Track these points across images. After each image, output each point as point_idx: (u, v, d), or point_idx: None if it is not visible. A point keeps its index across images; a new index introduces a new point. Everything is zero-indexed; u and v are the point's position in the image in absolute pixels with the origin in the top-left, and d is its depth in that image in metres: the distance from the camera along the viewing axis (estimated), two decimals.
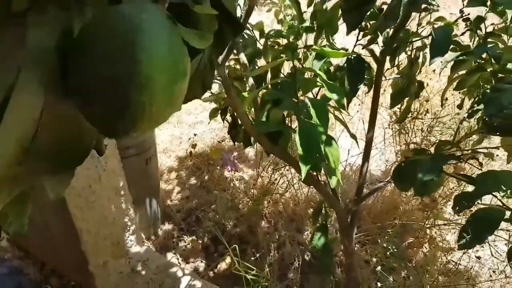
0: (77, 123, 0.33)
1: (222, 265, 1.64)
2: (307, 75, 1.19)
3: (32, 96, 0.29)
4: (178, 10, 0.37)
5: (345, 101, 0.97)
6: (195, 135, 2.25)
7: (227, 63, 1.31)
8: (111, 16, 0.28)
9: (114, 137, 0.31)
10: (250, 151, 2.27)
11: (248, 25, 1.41)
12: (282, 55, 1.35)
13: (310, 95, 1.22)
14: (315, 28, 1.23)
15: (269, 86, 1.23)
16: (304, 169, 0.99)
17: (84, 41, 0.28)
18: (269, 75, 1.35)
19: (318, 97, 1.26)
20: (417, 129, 2.04)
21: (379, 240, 1.61)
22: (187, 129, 2.51)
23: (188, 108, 2.71)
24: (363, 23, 1.10)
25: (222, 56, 1.02)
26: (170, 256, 1.72)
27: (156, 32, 0.28)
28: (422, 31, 1.19)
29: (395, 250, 1.54)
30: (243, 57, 1.24)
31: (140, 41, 0.27)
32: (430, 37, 0.88)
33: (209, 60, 0.51)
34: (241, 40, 1.29)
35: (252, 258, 1.45)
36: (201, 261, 1.69)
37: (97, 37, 0.28)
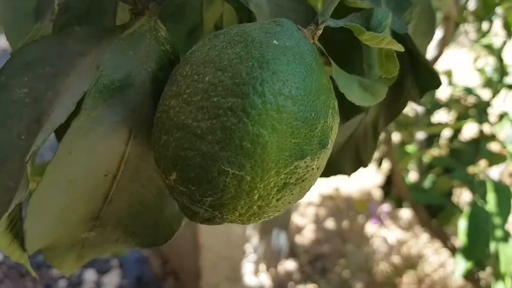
0: (158, 191, 0.28)
1: None
2: (495, 145, 0.98)
3: (112, 137, 0.24)
4: (335, 38, 0.27)
5: None
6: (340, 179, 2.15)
7: None
8: (224, 37, 0.22)
9: (194, 221, 0.25)
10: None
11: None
12: (469, 112, 1.15)
13: (493, 171, 1.01)
14: None
15: (442, 148, 1.07)
16: (463, 264, 0.82)
17: (177, 76, 0.23)
18: (444, 133, 1.17)
19: (506, 177, 1.03)
20: None
21: None
22: None
23: None
24: None
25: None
26: None
27: (285, 73, 0.21)
28: None
29: None
30: (417, 107, 1.10)
31: (259, 77, 0.20)
32: None
33: (373, 125, 0.39)
34: None
35: None
36: None
37: (195, 71, 0.22)
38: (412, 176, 1.16)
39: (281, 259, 1.78)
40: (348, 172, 0.40)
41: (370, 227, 1.91)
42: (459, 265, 0.80)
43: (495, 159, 0.88)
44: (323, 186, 2.22)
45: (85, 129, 0.23)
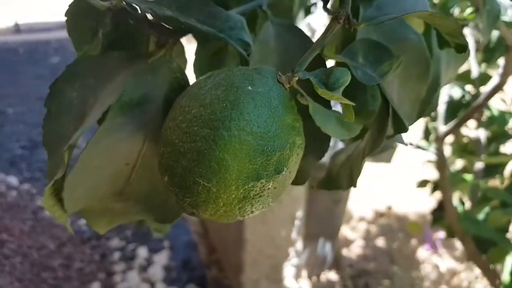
0: None
1: None
2: None
3: (130, 139, 0.32)
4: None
5: None
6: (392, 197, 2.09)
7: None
8: (214, 79, 0.29)
9: (185, 212, 0.31)
10: None
11: (506, 95, 1.20)
12: None
13: None
14: None
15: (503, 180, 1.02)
16: None
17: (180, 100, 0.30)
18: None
19: None
20: None
21: None
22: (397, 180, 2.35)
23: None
24: None
25: (447, 127, 0.89)
26: None
27: (251, 114, 0.27)
28: None
29: None
30: (481, 134, 1.07)
31: (229, 116, 0.26)
32: None
33: (363, 151, 0.43)
34: (486, 113, 1.11)
35: None
36: None
37: (188, 100, 0.29)
38: (467, 206, 1.12)
39: (324, 269, 1.77)
40: (344, 187, 0.45)
41: (422, 252, 1.84)
42: None
43: None
44: (378, 203, 2.17)
45: (108, 131, 0.30)
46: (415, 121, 0.39)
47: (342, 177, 0.42)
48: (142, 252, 1.76)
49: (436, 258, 1.81)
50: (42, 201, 0.29)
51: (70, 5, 0.37)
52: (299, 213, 1.43)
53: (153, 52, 0.33)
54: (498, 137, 1.10)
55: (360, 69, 0.28)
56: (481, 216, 1.01)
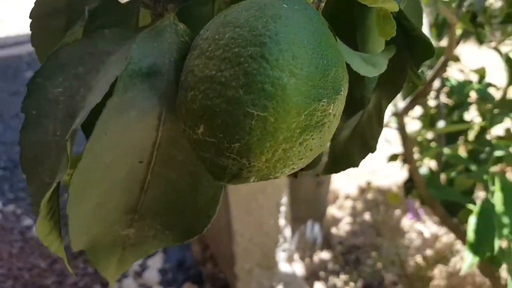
0: (192, 177, 0.30)
1: None
2: None
3: (143, 121, 0.26)
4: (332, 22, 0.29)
5: None
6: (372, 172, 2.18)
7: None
8: (238, 7, 0.25)
9: (222, 180, 0.26)
10: None
11: (464, 67, 1.28)
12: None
13: None
14: None
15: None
16: (470, 259, 0.87)
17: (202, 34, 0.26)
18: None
19: None
20: None
21: None
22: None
23: None
24: None
25: (405, 103, 0.97)
26: (317, 286, 1.74)
27: (296, 26, 0.24)
28: None
29: None
30: (441, 104, 1.15)
31: (274, 29, 0.23)
32: None
33: (376, 109, 0.40)
34: (446, 84, 1.19)
35: None
36: None
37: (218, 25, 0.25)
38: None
39: (315, 250, 1.86)
40: (357, 161, 0.42)
41: (406, 221, 1.94)
42: (467, 260, 0.85)
43: (509, 160, 0.92)
44: (361, 180, 2.26)
45: (118, 110, 0.25)
46: None
47: (352, 151, 0.41)
48: None
49: (420, 225, 1.91)
50: (36, 229, 0.25)
51: (35, 4, 0.32)
52: (284, 200, 1.50)
53: (151, 25, 0.28)
54: (458, 106, 1.19)
55: None
56: (448, 182, 1.09)
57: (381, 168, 2.26)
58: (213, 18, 0.27)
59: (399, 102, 0.99)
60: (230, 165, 0.24)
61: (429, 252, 1.75)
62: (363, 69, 0.27)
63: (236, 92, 0.23)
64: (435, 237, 1.82)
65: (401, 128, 0.94)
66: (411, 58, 0.33)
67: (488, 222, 0.85)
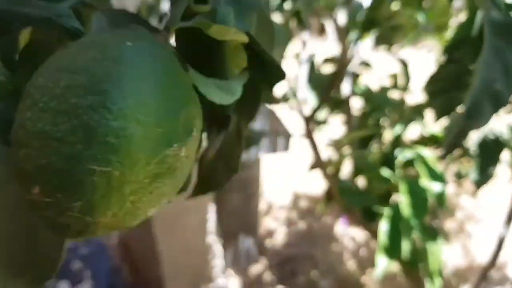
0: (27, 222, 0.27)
1: None
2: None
3: None
4: (190, 52, 0.29)
5: (446, 195, 0.78)
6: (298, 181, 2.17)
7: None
8: (73, 47, 0.22)
9: (66, 237, 0.24)
10: None
11: (376, 73, 1.28)
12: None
13: None
14: None
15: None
16: (383, 262, 0.84)
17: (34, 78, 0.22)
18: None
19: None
20: None
21: None
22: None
23: None
24: None
25: (309, 111, 0.93)
26: None
27: (142, 68, 0.21)
28: None
29: None
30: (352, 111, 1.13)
31: (117, 73, 0.21)
32: None
33: (235, 129, 0.40)
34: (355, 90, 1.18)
35: None
36: None
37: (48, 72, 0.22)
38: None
39: (250, 263, 1.80)
40: (224, 182, 0.42)
41: (339, 228, 1.93)
42: (380, 264, 0.83)
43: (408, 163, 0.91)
44: (292, 190, 2.24)
45: None
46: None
47: (218, 174, 0.40)
48: (63, 287, 1.68)
49: (353, 230, 1.91)
50: None
51: None
52: (210, 216, 1.43)
53: None
54: (370, 112, 1.18)
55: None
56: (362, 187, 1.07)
57: (314, 176, 2.25)
58: (46, 60, 0.23)
59: (304, 109, 0.96)
60: (73, 224, 0.21)
61: (362, 256, 1.74)
62: (218, 97, 0.27)
63: (75, 148, 0.20)
64: (369, 239, 1.82)
65: (309, 135, 0.91)
66: (264, 81, 0.33)
67: (398, 225, 0.83)
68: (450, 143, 0.38)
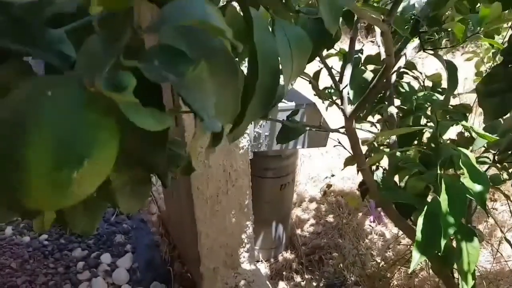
0: None
1: None
2: None
3: None
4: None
5: (487, 197, 0.80)
6: (332, 175, 2.19)
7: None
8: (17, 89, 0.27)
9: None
10: None
11: (421, 73, 1.30)
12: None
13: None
14: None
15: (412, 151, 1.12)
16: (417, 258, 0.87)
17: None
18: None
19: None
20: None
21: None
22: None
23: None
24: None
25: (351, 109, 0.97)
26: (281, 285, 1.74)
27: (51, 112, 0.26)
28: None
29: None
30: (391, 110, 1.16)
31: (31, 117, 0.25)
32: None
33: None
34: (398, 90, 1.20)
35: None
36: None
37: None
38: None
39: (280, 250, 1.85)
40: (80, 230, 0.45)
41: (369, 224, 1.96)
42: (414, 259, 0.85)
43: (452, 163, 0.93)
44: (325, 183, 2.28)
45: None
46: (237, 117, 0.36)
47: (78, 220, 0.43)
48: (106, 258, 1.78)
49: (382, 228, 1.93)
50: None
51: None
52: (247, 202, 1.49)
53: None
54: (411, 111, 1.20)
55: (154, 71, 0.29)
56: (402, 184, 1.10)
57: (345, 172, 2.28)
58: None
59: (347, 107, 0.99)
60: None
61: (389, 253, 1.76)
62: (149, 124, 0.29)
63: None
64: (396, 239, 1.84)
65: (349, 132, 0.94)
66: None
67: (435, 222, 0.85)
68: (507, 147, 0.39)
